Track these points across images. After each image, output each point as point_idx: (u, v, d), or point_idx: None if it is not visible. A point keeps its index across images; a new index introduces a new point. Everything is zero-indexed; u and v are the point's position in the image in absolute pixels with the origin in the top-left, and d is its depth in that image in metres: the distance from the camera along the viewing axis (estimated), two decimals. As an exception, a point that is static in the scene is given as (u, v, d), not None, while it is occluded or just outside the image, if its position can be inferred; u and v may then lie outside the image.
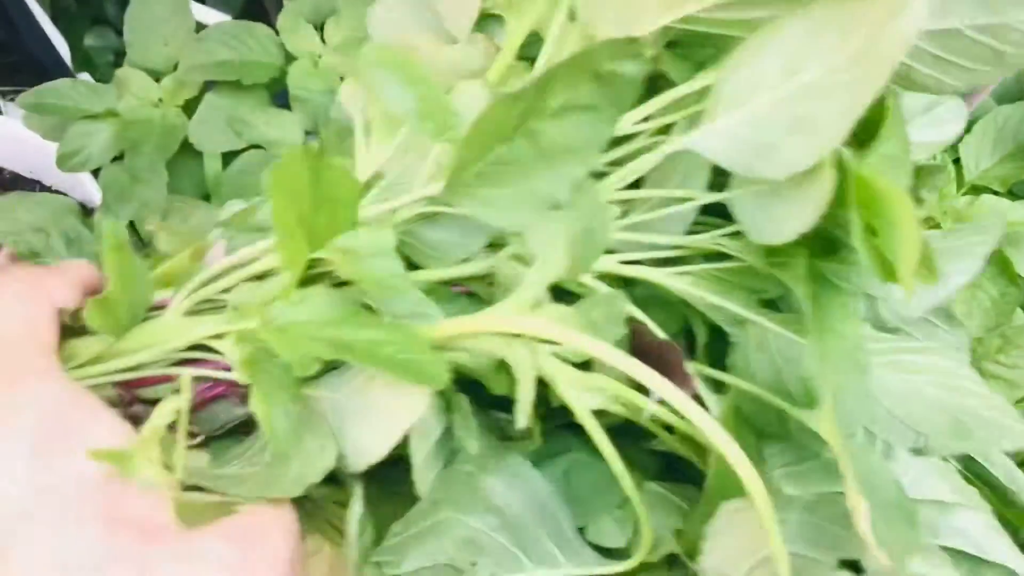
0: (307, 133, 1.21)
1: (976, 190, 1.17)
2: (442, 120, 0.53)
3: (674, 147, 0.50)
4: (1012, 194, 1.16)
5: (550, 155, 0.49)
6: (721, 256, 0.54)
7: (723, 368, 0.53)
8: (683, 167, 0.52)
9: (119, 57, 2.17)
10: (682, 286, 0.53)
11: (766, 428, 0.52)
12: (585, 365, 0.50)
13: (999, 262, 1.06)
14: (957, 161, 1.13)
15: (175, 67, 1.25)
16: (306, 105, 1.20)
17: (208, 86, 1.23)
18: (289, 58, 1.23)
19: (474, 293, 0.57)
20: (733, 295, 0.53)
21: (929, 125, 0.63)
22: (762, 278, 0.53)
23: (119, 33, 2.12)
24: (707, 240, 0.53)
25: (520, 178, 0.49)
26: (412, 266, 0.55)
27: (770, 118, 0.45)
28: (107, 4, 2.13)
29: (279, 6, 1.44)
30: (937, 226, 1.12)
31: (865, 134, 0.46)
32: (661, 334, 0.52)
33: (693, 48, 0.53)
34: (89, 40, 2.11)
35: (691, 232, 0.54)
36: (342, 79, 1.22)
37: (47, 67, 1.92)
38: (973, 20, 0.46)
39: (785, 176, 0.45)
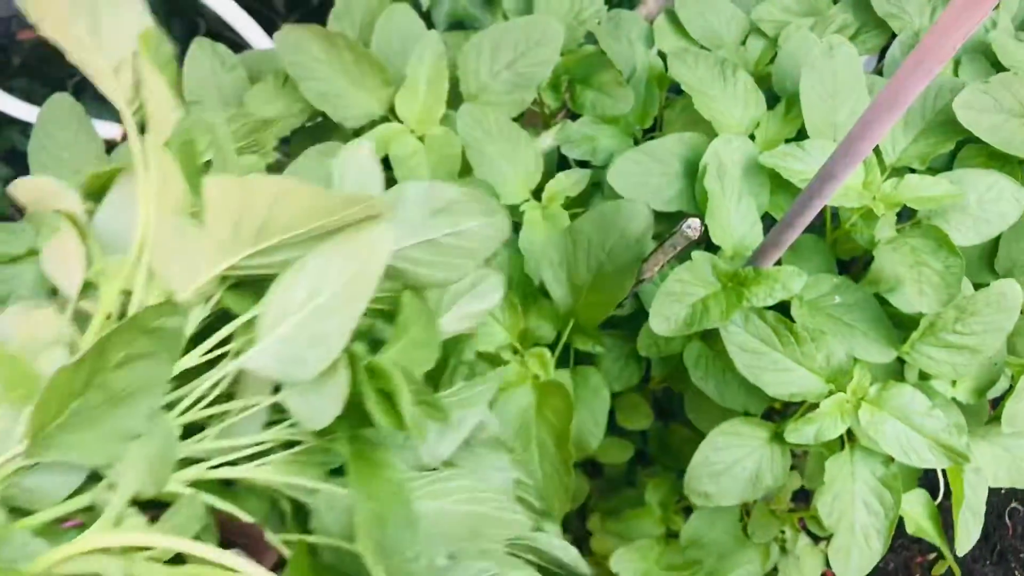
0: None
1: (898, 172, 1.21)
2: (27, 388, 0.60)
3: (235, 366, 0.63)
4: (931, 170, 1.21)
5: (120, 399, 0.58)
6: (292, 443, 0.67)
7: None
8: (251, 379, 0.66)
9: (6, 183, 2.12)
10: (263, 475, 0.65)
11: (350, 570, 0.62)
12: (180, 559, 0.58)
13: (935, 236, 1.10)
14: (875, 148, 1.16)
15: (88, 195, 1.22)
16: (234, 207, 1.18)
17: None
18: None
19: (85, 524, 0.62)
20: (307, 472, 0.66)
21: (475, 298, 0.80)
22: (325, 452, 0.67)
23: (2, 159, 2.08)
24: (281, 432, 0.67)
25: (98, 422, 0.58)
26: (24, 512, 0.61)
27: (296, 337, 0.61)
28: (-6, 135, 2.08)
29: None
30: (871, 213, 1.16)
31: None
32: (247, 518, 0.63)
33: (252, 286, 0.66)
34: (-21, 176, 2.05)
35: (269, 426, 0.67)
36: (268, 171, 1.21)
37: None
38: (444, 231, 0.69)
39: (313, 378, 0.61)
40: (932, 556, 1.73)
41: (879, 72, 1.37)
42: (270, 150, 1.22)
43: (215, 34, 1.31)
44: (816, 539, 1.44)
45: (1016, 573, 1.73)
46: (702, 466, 1.05)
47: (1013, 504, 1.79)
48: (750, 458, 1.05)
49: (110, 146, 1.23)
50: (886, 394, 1.05)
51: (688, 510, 1.37)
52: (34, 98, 1.80)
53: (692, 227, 0.93)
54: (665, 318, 1.01)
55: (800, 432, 1.03)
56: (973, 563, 1.73)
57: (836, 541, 1.03)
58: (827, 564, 1.48)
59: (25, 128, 2.06)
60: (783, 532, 1.36)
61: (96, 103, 1.81)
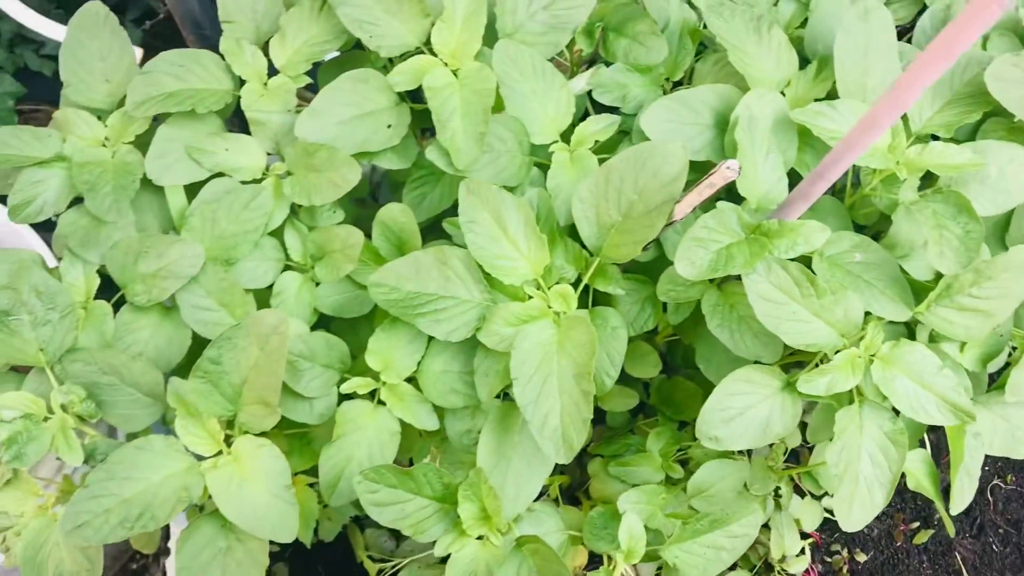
0: (269, 155, 1.20)
1: (921, 139, 1.23)
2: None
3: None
4: (955, 139, 1.23)
5: None
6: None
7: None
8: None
9: (19, 102, 2.10)
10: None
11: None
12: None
13: (956, 201, 1.12)
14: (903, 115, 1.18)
15: (118, 104, 1.22)
16: (265, 127, 1.18)
17: (156, 121, 1.20)
18: (237, 82, 1.22)
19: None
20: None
21: None
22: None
23: (16, 76, 2.06)
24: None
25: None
26: None
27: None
28: (-4, 49, 2.06)
29: (196, 27, 1.43)
30: (892, 178, 1.18)
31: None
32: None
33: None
34: (-16, 88, 2.04)
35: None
36: (298, 97, 1.21)
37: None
38: None
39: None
40: (915, 525, 1.77)
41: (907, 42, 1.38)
42: (301, 74, 1.22)
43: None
44: (806, 496, 1.47)
45: (993, 546, 1.77)
46: (715, 410, 1.07)
47: (995, 481, 1.83)
48: (762, 405, 1.08)
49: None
50: (898, 351, 1.07)
51: (685, 462, 1.40)
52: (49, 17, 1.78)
53: (732, 168, 0.94)
54: (690, 262, 1.02)
55: (813, 383, 1.05)
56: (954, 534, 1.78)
57: (841, 491, 1.06)
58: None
59: (39, 48, 2.05)
60: (778, 488, 1.39)
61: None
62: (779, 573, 1.42)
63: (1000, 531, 1.77)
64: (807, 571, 1.51)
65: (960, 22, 0.73)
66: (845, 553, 1.72)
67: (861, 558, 1.72)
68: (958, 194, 1.09)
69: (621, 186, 1.04)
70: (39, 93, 2.10)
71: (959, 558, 1.73)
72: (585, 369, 0.99)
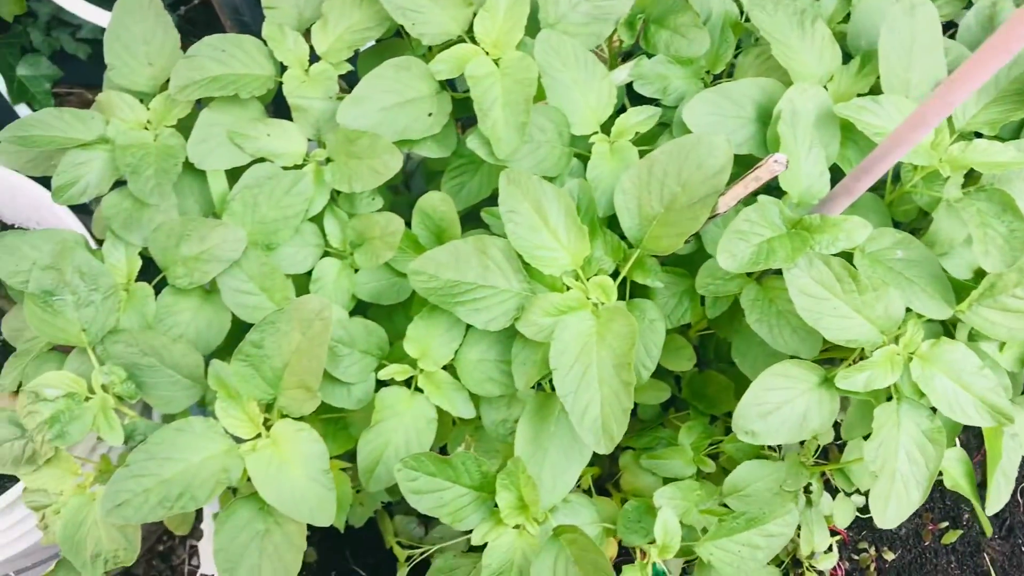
0: (309, 141, 1.20)
1: (965, 137, 1.22)
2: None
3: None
4: (999, 137, 1.22)
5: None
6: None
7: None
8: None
9: (55, 85, 2.12)
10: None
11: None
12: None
13: (1000, 199, 1.11)
14: (946, 111, 1.17)
15: (161, 87, 1.22)
16: (306, 113, 1.18)
17: (198, 105, 1.21)
18: (278, 67, 1.22)
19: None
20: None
21: None
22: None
23: (52, 59, 2.07)
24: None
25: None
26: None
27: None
28: (33, 32, 2.07)
29: (235, 13, 1.43)
30: (933, 175, 1.17)
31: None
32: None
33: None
34: (22, 70, 2.05)
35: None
36: (339, 84, 1.21)
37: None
38: None
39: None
40: (944, 525, 1.77)
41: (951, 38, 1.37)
42: (343, 61, 1.22)
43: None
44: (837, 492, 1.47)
45: (1022, 548, 1.76)
46: (752, 404, 1.07)
47: (1025, 484, 1.82)
48: (799, 400, 1.07)
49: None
50: (938, 350, 1.07)
51: (715, 456, 1.40)
52: None
53: (779, 161, 0.94)
54: (732, 255, 1.02)
55: (851, 379, 1.05)
56: (982, 534, 1.77)
57: (877, 487, 1.05)
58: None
59: (75, 30, 2.07)
60: (809, 484, 1.39)
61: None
62: (807, 570, 1.42)
63: (1029, 533, 1.76)
64: (835, 568, 1.51)
65: (1017, 20, 0.73)
66: (873, 551, 1.72)
67: (889, 556, 1.71)
68: (1003, 192, 1.08)
69: (664, 178, 1.04)
70: (74, 76, 2.12)
71: (987, 559, 1.73)
72: (625, 359, 0.99)
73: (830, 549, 1.44)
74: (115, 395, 1.08)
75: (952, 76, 0.83)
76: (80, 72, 2.10)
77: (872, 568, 1.69)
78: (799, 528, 1.46)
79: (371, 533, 1.58)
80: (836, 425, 1.35)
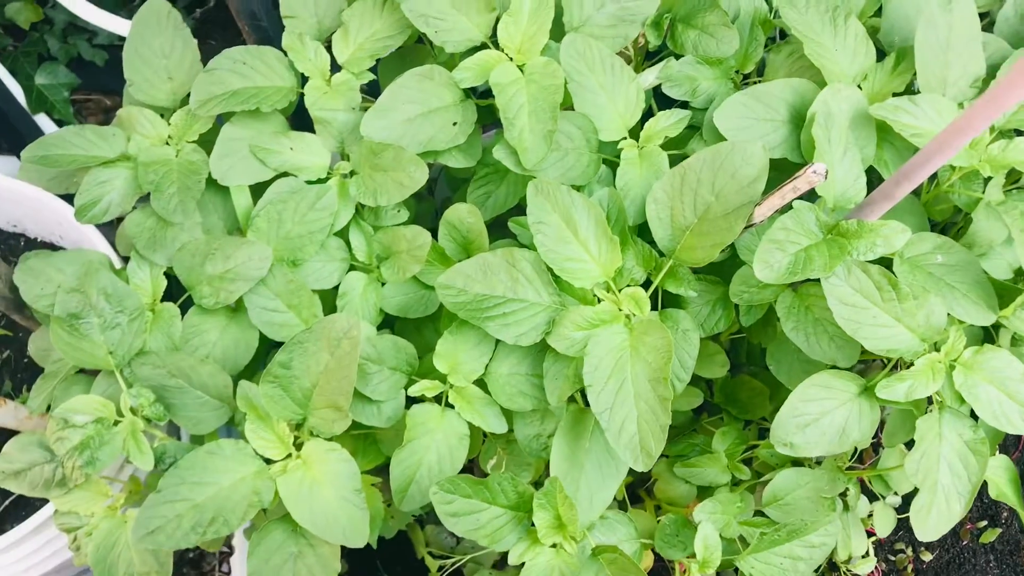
0: (333, 153, 1.18)
1: (1005, 135, 1.19)
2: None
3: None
4: (1040, 134, 1.19)
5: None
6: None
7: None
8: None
9: (74, 93, 2.11)
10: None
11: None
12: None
13: (1044, 201, 1.08)
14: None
15: (181, 102, 1.21)
16: (329, 126, 1.16)
17: (219, 119, 1.19)
18: (299, 78, 1.20)
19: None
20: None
21: None
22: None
23: (69, 66, 2.06)
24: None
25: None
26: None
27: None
28: (50, 39, 2.06)
29: (252, 18, 1.41)
30: (972, 174, 1.14)
31: None
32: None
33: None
34: (40, 79, 2.04)
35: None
36: (362, 94, 1.19)
37: (2, 110, 1.86)
38: None
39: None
40: (982, 524, 1.74)
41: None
42: (365, 70, 1.20)
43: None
44: (874, 497, 1.45)
45: (1063, 547, 1.73)
46: (790, 416, 1.04)
47: (1065, 480, 1.79)
48: (839, 411, 1.05)
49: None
50: (981, 357, 1.04)
51: (749, 461, 1.38)
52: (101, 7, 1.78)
53: (818, 171, 0.91)
54: (768, 264, 1.00)
55: (892, 389, 1.02)
56: (1022, 532, 1.74)
57: (918, 500, 1.03)
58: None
59: (92, 37, 2.05)
60: (846, 489, 1.37)
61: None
62: (845, 574, 1.40)
63: (1069, 530, 1.73)
64: (871, 571, 1.49)
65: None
66: (910, 552, 1.69)
67: (927, 557, 1.69)
68: (1046, 193, 1.05)
69: (697, 187, 1.01)
70: (92, 82, 2.10)
71: (1028, 557, 1.70)
72: (661, 374, 0.97)
73: (867, 553, 1.42)
74: (144, 417, 1.07)
75: (1003, 80, 0.80)
76: (98, 78, 2.09)
77: (909, 569, 1.66)
78: (835, 531, 1.43)
79: (402, 543, 1.57)
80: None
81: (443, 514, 0.98)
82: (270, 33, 1.35)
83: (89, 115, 2.19)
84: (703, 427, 1.44)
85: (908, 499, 1.47)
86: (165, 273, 1.14)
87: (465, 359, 1.10)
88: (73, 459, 1.01)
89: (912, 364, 1.04)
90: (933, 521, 1.05)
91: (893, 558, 1.69)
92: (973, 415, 1.06)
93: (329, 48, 1.20)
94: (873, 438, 1.50)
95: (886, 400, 1.03)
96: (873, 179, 1.10)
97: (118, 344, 1.07)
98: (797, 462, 1.28)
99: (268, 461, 1.03)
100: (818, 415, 1.05)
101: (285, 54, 1.19)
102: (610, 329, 1.03)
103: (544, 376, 1.07)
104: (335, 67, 1.20)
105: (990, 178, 1.11)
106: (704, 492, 1.33)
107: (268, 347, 1.15)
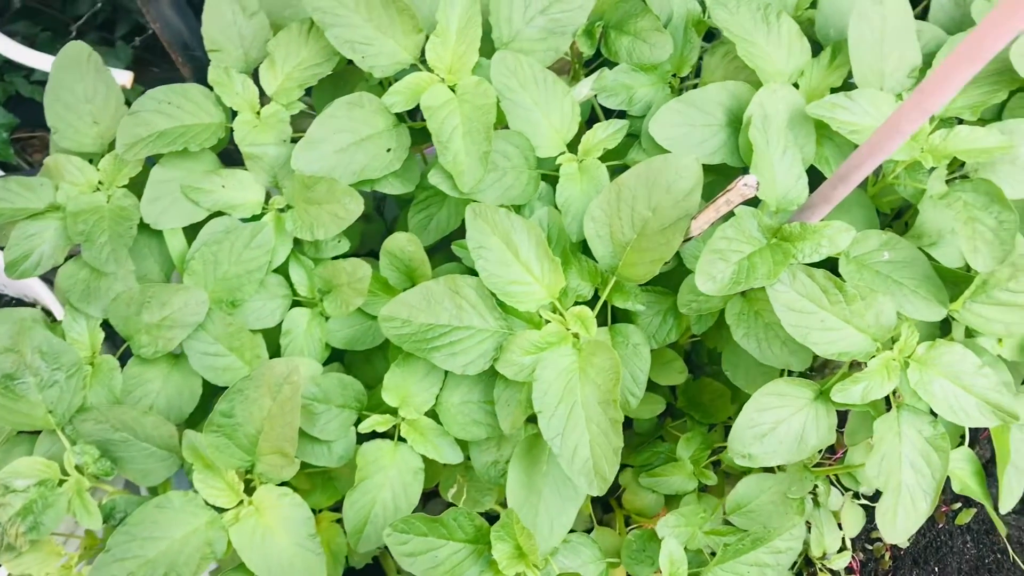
0: (268, 188, 1.16)
1: (946, 123, 1.17)
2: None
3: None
4: (983, 120, 1.17)
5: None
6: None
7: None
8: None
9: (16, 131, 2.07)
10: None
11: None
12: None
13: (986, 190, 1.06)
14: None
15: (109, 146, 1.18)
16: (261, 160, 1.14)
17: (149, 160, 1.16)
18: (229, 113, 1.17)
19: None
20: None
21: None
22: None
23: (8, 105, 2.02)
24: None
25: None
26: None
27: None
28: (-15, 79, 2.02)
29: (185, 49, 1.38)
30: (916, 165, 1.12)
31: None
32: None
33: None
34: (-24, 121, 2.00)
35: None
36: (292, 126, 1.17)
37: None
38: None
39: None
40: (957, 506, 1.73)
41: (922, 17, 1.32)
42: (294, 100, 1.18)
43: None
44: (845, 491, 1.44)
45: (1039, 522, 1.73)
46: (746, 427, 1.03)
47: (1037, 453, 1.78)
48: (795, 418, 1.04)
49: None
50: (934, 353, 1.03)
51: (717, 464, 1.36)
52: (36, 43, 1.75)
53: (749, 184, 0.90)
54: (711, 277, 0.98)
55: (847, 392, 1.01)
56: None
57: (883, 502, 1.02)
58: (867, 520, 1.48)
59: (29, 73, 2.01)
60: (815, 486, 1.36)
61: (100, 47, 1.75)
62: (820, 570, 1.39)
63: (1045, 504, 1.73)
64: (850, 562, 1.48)
65: (987, 25, 0.68)
66: (887, 540, 1.68)
67: (904, 544, 1.68)
68: (988, 182, 1.04)
69: (634, 203, 0.99)
70: (33, 119, 2.06)
71: (1004, 536, 1.69)
72: (610, 396, 0.95)
73: (843, 547, 1.41)
74: (91, 475, 1.04)
75: (925, 83, 0.78)
76: (39, 115, 2.04)
77: (887, 557, 1.66)
78: (808, 525, 1.43)
79: (375, 570, 1.55)
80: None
81: (399, 555, 0.96)
82: (205, 63, 1.32)
83: (34, 152, 2.15)
84: (668, 432, 1.43)
85: (881, 487, 1.46)
86: (103, 324, 1.11)
87: (415, 391, 1.08)
88: (16, 525, 0.99)
89: (866, 365, 1.02)
90: (901, 522, 1.03)
91: (870, 547, 1.68)
92: (933, 411, 1.05)
93: (258, 80, 1.18)
94: (840, 429, 1.50)
95: (842, 404, 1.02)
96: (815, 178, 1.08)
97: (57, 402, 1.04)
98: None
99: (220, 510, 1.01)
100: (774, 423, 1.04)
101: (211, 89, 1.16)
102: (558, 351, 1.01)
103: (496, 403, 1.05)
104: (265, 99, 1.18)
105: (934, 168, 1.09)
106: (672, 500, 1.32)
107: (214, 392, 1.12)
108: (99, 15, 2.02)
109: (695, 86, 1.21)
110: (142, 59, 2.16)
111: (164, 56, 2.11)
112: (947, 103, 1.13)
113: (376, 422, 1.08)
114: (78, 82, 1.16)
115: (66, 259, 1.14)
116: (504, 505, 1.03)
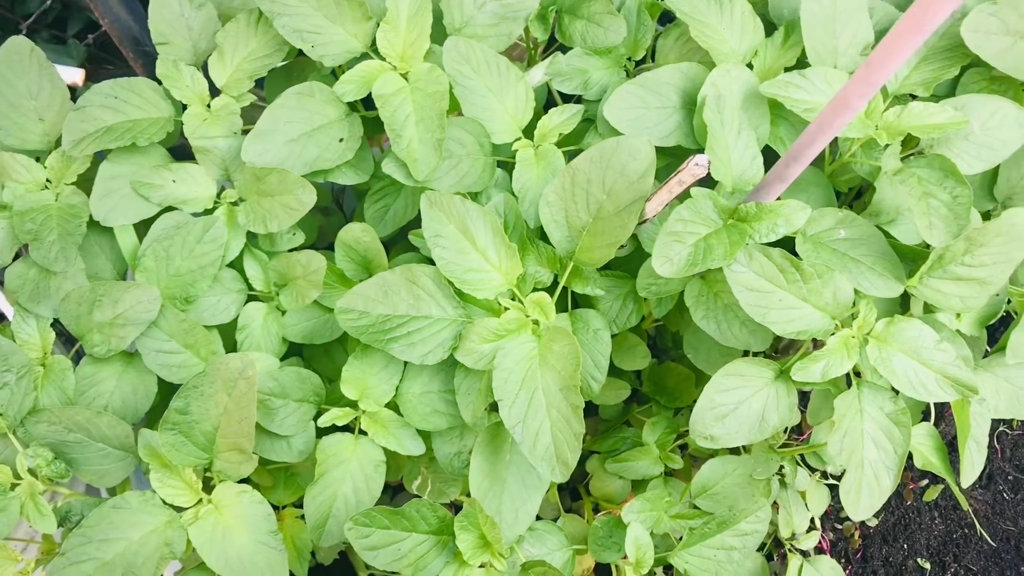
0: (220, 181, 1.14)
1: (900, 100, 1.17)
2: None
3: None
4: (934, 96, 1.18)
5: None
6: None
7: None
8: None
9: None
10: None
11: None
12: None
13: (941, 165, 1.07)
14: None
15: (56, 143, 1.15)
16: (211, 154, 1.12)
17: (98, 155, 1.14)
18: (179, 107, 1.15)
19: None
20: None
21: None
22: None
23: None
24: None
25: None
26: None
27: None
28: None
29: (135, 44, 1.35)
30: (872, 142, 1.12)
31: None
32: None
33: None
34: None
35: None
36: (243, 118, 1.15)
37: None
38: None
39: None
40: (924, 483, 1.74)
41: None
42: (245, 92, 1.16)
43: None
44: (812, 471, 1.44)
45: (1004, 494, 1.75)
46: (707, 408, 1.03)
47: (1001, 428, 1.80)
48: (756, 398, 1.03)
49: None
50: (893, 329, 1.03)
51: (684, 447, 1.36)
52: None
53: (700, 164, 0.89)
54: (668, 259, 0.97)
55: (807, 370, 1.01)
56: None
57: (846, 480, 1.02)
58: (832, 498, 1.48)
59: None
60: (782, 467, 1.36)
61: (52, 44, 1.71)
62: (790, 551, 1.40)
63: (1010, 478, 1.74)
64: (819, 542, 1.48)
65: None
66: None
67: (872, 522, 1.69)
68: (942, 158, 1.04)
69: (588, 187, 0.99)
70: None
71: (971, 510, 1.71)
72: (571, 382, 0.95)
73: (812, 528, 1.41)
74: (45, 477, 1.02)
75: (872, 56, 0.78)
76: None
77: (856, 536, 1.67)
78: (776, 506, 1.43)
79: (343, 566, 1.53)
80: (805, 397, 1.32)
81: (361, 548, 0.95)
82: (156, 57, 1.30)
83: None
84: (634, 417, 1.42)
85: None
86: (54, 324, 1.09)
87: (374, 383, 1.07)
88: (-33, 532, 0.97)
89: (825, 343, 1.02)
90: (865, 499, 1.03)
91: (840, 526, 1.69)
92: (894, 388, 1.05)
93: (208, 73, 1.16)
94: (804, 405, 1.50)
95: (802, 383, 1.02)
96: (770, 158, 1.08)
97: (7, 404, 1.02)
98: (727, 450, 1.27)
99: (179, 509, 0.99)
100: (735, 404, 1.03)
101: (160, 83, 1.14)
102: (518, 339, 1.00)
103: (457, 393, 1.04)
104: (215, 92, 1.16)
105: (889, 145, 1.09)
106: (638, 485, 1.32)
107: (170, 390, 1.10)
108: (50, 13, 1.98)
109: (650, 69, 1.21)
110: (96, 57, 2.12)
111: (118, 53, 2.08)
112: (894, 75, 1.14)
113: (335, 416, 1.06)
114: (20, 78, 1.14)
115: (14, 259, 1.11)
116: (469, 495, 1.02)
